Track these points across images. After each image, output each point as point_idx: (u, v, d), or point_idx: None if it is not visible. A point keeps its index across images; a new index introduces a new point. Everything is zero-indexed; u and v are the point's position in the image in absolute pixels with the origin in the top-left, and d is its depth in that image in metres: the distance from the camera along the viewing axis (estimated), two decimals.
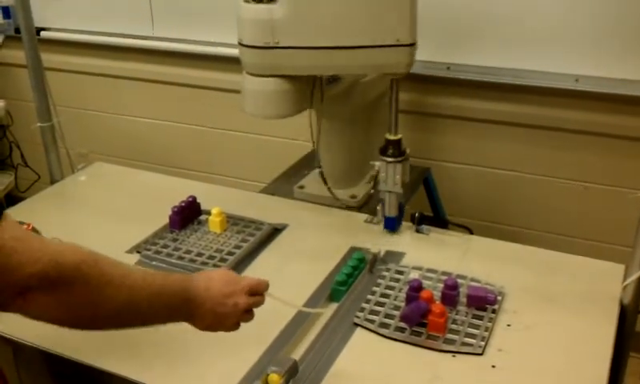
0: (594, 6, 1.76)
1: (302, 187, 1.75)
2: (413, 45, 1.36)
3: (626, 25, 1.75)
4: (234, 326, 1.02)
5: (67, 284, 0.84)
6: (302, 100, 1.43)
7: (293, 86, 1.39)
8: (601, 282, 1.27)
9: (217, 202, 1.53)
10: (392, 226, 1.48)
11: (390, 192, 1.45)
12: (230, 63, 2.21)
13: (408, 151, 1.46)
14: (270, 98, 1.41)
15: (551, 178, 2.01)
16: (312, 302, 1.24)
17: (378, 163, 1.45)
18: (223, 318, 1.00)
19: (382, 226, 1.50)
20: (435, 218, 1.95)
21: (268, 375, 1.02)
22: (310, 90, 1.45)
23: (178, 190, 1.59)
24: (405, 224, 1.50)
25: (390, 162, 1.43)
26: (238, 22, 1.37)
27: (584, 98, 1.86)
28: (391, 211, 1.47)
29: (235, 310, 1.00)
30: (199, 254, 1.40)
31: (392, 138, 1.45)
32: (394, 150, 1.44)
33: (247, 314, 1.02)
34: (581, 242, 2.03)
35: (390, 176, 1.44)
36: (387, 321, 1.18)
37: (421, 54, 1.96)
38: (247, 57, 1.38)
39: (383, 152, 1.45)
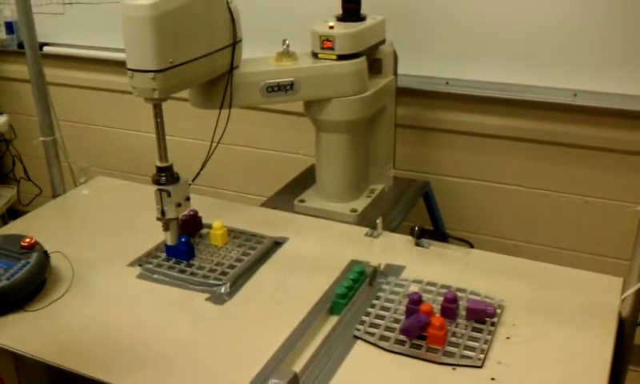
0: (592, 21, 1.78)
1: (302, 201, 1.76)
2: (130, 70, 1.33)
3: (624, 40, 1.77)
4: None
5: None
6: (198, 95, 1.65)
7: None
8: (599, 295, 1.28)
9: (218, 215, 1.54)
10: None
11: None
12: None
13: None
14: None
15: (550, 192, 2.03)
16: (313, 315, 1.25)
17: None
18: None
19: (382, 239, 1.51)
20: (435, 231, 1.96)
21: None
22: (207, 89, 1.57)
23: None
24: (405, 237, 1.51)
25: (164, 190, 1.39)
26: None
27: (582, 113, 1.88)
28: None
29: None
30: (200, 268, 1.41)
31: (162, 165, 1.41)
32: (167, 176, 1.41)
33: None
34: (580, 256, 2.04)
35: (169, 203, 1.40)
36: (387, 334, 1.19)
37: (420, 69, 2.01)
38: None
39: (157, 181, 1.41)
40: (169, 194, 1.39)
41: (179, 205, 1.41)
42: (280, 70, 1.59)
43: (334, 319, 1.24)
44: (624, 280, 1.28)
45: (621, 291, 1.26)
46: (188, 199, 1.44)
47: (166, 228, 1.42)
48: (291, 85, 1.59)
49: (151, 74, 1.31)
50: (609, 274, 1.33)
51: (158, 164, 1.41)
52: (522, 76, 1.89)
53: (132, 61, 1.32)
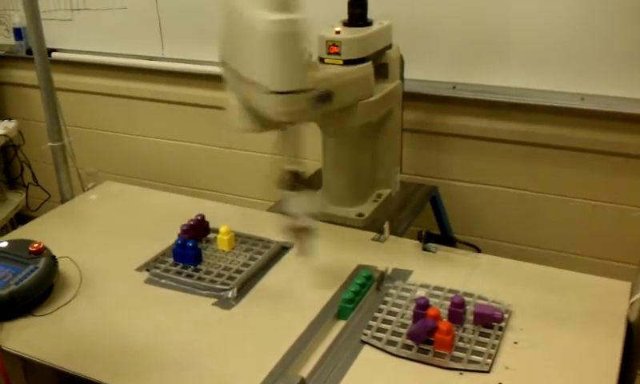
0: (600, 24, 1.77)
1: None
2: (282, 93, 1.21)
3: (631, 43, 1.76)
4: None
5: None
6: (255, 118, 1.42)
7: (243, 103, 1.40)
8: (608, 300, 1.27)
9: (225, 220, 1.54)
10: None
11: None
12: None
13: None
14: (232, 112, 1.43)
15: (558, 197, 2.02)
16: (319, 319, 1.25)
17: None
18: None
19: (389, 243, 1.51)
20: (442, 236, 1.96)
21: None
22: None
23: (187, 208, 1.61)
24: (412, 242, 1.51)
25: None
26: None
27: (590, 117, 1.87)
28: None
29: None
30: (207, 272, 1.41)
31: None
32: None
33: None
34: (588, 260, 2.03)
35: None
36: (394, 338, 1.19)
37: (427, 74, 2.01)
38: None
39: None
40: (304, 200, 1.28)
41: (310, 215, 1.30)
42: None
43: (341, 324, 1.24)
44: (632, 284, 1.27)
45: (629, 296, 1.25)
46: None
47: (297, 237, 1.31)
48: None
49: (305, 94, 1.20)
50: (617, 279, 1.33)
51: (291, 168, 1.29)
52: (528, 80, 1.89)
53: (281, 82, 1.19)
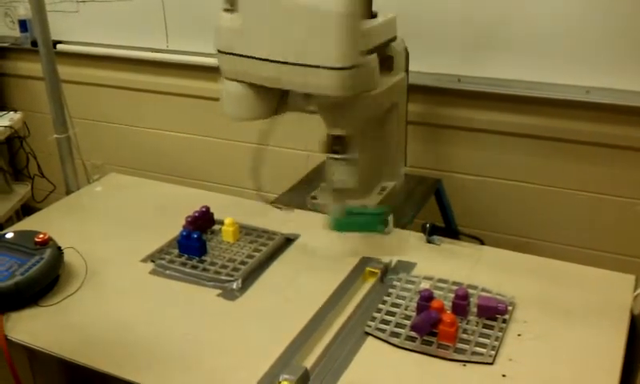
0: (605, 17, 1.77)
1: (314, 198, 1.77)
2: (344, 69, 1.28)
3: (636, 36, 1.75)
4: None
5: None
6: (267, 104, 1.49)
7: (252, 91, 1.44)
8: (611, 293, 1.27)
9: (230, 212, 1.55)
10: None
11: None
12: None
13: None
14: (233, 101, 1.50)
15: (562, 189, 2.02)
16: (323, 311, 1.25)
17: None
18: None
19: (393, 236, 1.51)
20: (446, 228, 1.96)
21: (279, 383, 1.03)
22: (278, 95, 1.48)
23: (192, 200, 1.61)
24: (416, 234, 1.51)
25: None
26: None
27: (595, 110, 1.87)
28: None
29: None
30: (212, 264, 1.41)
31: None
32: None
33: None
34: (592, 253, 2.03)
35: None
36: (398, 330, 1.19)
37: (431, 67, 2.00)
38: (218, 61, 1.46)
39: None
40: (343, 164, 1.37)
41: None
42: None
43: (344, 315, 1.25)
44: (636, 277, 1.28)
45: (633, 288, 1.25)
46: None
47: (334, 198, 1.39)
48: None
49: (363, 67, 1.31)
50: (621, 272, 1.33)
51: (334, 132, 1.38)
52: (534, 73, 1.89)
53: (347, 58, 1.27)
